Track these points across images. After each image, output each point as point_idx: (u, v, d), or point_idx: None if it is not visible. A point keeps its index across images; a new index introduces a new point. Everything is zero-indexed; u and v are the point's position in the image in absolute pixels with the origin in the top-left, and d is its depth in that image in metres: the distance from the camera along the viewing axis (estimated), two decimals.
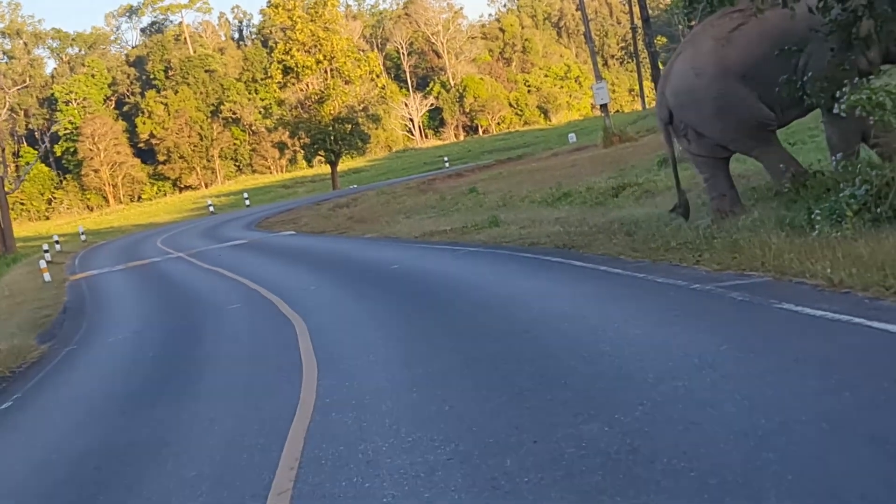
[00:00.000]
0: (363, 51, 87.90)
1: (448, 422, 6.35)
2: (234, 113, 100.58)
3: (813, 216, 11.74)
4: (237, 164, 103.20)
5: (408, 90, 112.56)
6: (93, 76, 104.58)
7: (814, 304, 7.66)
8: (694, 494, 4.29)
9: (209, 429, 7.64)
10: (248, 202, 63.68)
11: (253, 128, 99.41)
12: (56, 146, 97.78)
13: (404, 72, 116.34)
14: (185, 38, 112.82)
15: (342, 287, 15.49)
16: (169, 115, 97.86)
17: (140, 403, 9.35)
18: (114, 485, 6.69)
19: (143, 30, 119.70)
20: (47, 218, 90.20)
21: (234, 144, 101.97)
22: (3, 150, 62.85)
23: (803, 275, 8.88)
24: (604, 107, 45.40)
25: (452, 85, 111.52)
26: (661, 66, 35.76)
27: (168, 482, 6.40)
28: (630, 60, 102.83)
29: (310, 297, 14.71)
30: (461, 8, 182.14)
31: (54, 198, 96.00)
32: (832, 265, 8.78)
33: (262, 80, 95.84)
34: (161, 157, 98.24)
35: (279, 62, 70.59)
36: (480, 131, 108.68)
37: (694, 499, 4.24)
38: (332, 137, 65.85)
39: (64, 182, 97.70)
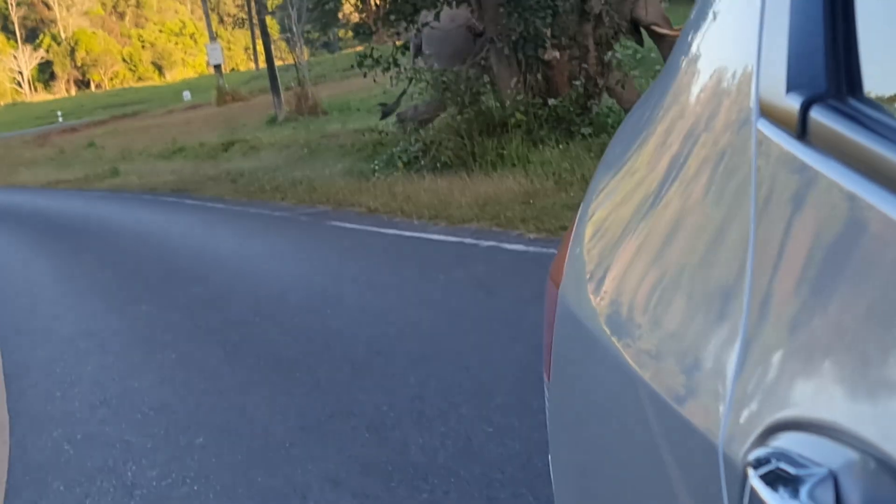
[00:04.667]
0: None
1: (96, 297, 9.38)
2: None
3: (373, 166, 15.52)
4: None
5: (16, 42, 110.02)
6: None
7: (353, 222, 11.25)
8: (243, 305, 7.65)
9: None
10: None
11: None
12: None
13: (12, 23, 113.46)
14: None
15: None
16: None
17: None
18: None
19: None
20: None
21: None
22: None
23: (353, 205, 12.47)
24: (217, 67, 47.96)
25: (64, 38, 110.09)
26: (268, 32, 39.02)
27: None
28: (247, 19, 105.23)
29: None
30: None
31: None
32: (374, 198, 12.42)
33: None
34: None
35: None
36: (93, 86, 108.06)
37: (241, 307, 7.60)
38: None
39: None
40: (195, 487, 4.29)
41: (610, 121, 14.41)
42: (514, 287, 7.05)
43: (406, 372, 5.38)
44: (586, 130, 14.03)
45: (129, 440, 5.08)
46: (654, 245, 1.17)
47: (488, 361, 5.37)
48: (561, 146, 13.33)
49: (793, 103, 0.93)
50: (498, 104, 15.13)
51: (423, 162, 14.88)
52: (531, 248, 8.11)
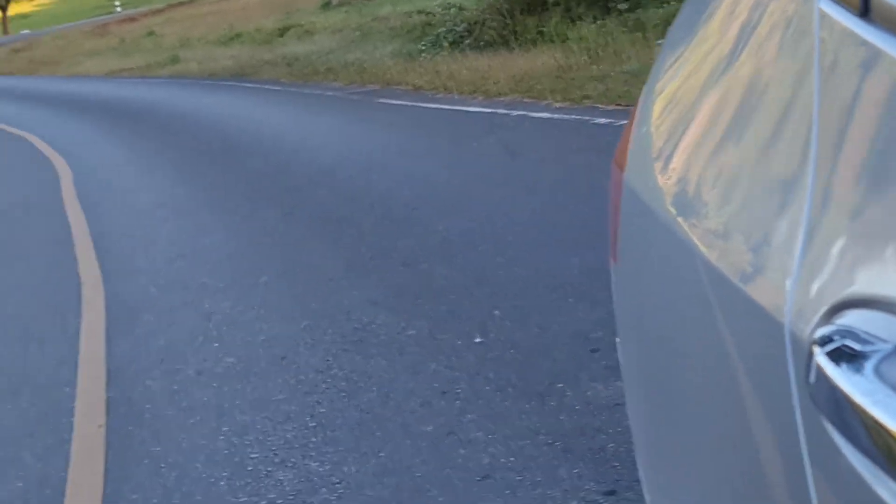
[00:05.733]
0: None
1: (165, 174, 10.34)
2: None
3: (420, 46, 16.26)
4: None
5: None
6: None
7: (399, 99, 12.10)
8: (298, 175, 8.55)
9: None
10: None
11: None
12: None
13: None
14: None
15: (55, 112, 18.77)
16: None
17: None
18: None
19: None
20: None
21: None
22: None
23: (400, 84, 13.29)
24: None
25: None
26: None
27: None
28: None
29: (27, 120, 17.94)
30: None
31: None
32: (419, 77, 13.22)
33: None
34: None
35: None
36: None
37: (297, 176, 8.50)
38: None
39: None
40: (261, 312, 5.24)
41: None
42: (535, 150, 7.93)
43: (436, 222, 6.28)
44: (622, 6, 14.56)
45: (204, 282, 6.04)
46: (722, 121, 1.16)
47: (507, 211, 6.25)
48: (598, 22, 13.92)
49: None
50: None
51: (467, 41, 15.58)
52: (555, 116, 8.95)
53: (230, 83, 17.97)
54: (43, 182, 10.98)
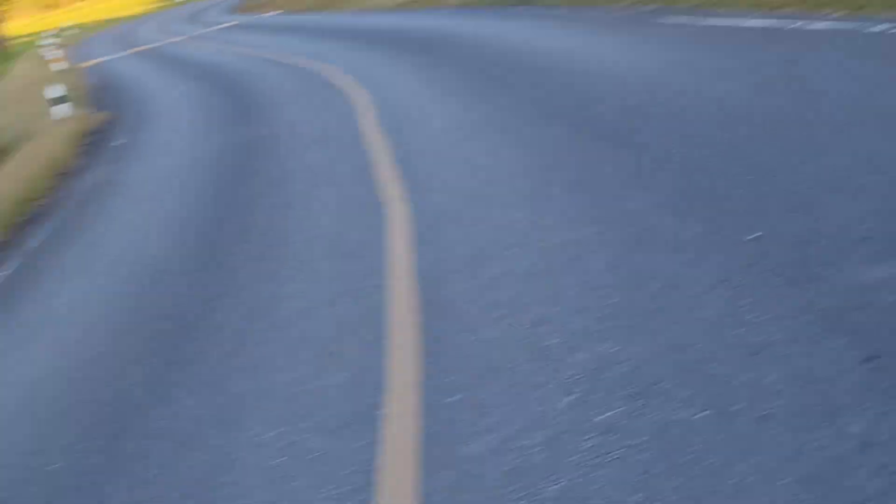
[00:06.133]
0: None
1: (456, 98, 10.96)
2: None
3: None
4: None
5: None
6: None
7: (679, 16, 12.32)
8: (580, 92, 8.97)
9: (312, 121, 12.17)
10: None
11: None
12: None
13: None
14: None
15: (349, 45, 19.74)
16: None
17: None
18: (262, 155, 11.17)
19: None
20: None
21: None
22: None
23: (680, 2, 13.46)
24: None
25: None
26: None
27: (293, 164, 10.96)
28: None
29: (326, 52, 18.98)
30: None
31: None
32: None
33: None
34: None
35: None
36: None
37: (579, 94, 8.92)
38: None
39: None
40: (555, 220, 5.75)
41: None
42: (812, 60, 8.11)
43: (715, 131, 6.62)
44: None
45: (501, 195, 6.59)
46: None
47: (783, 117, 6.54)
48: None
49: None
50: None
51: None
52: (833, 26, 9.13)
53: (515, 10, 18.52)
54: (344, 111, 11.77)
